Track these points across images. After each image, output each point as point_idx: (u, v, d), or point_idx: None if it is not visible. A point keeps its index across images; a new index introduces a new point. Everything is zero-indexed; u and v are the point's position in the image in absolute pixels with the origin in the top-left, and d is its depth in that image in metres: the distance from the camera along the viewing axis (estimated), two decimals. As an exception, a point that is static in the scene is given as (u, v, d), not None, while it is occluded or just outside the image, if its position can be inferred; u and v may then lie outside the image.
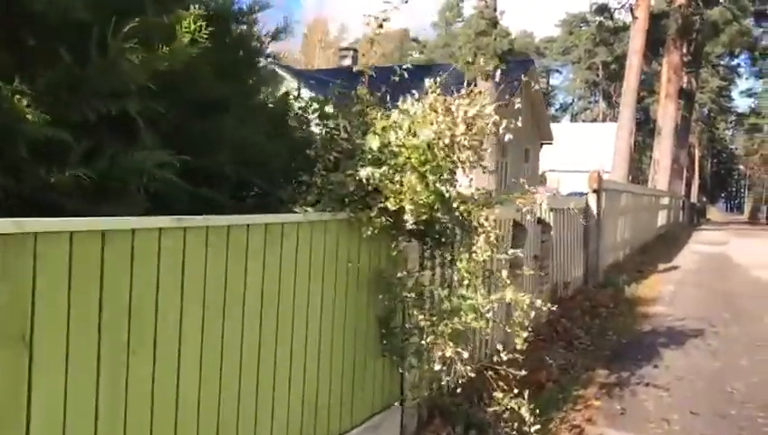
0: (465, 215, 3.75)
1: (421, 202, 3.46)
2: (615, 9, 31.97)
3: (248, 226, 2.67)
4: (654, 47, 31.30)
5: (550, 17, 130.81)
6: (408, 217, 3.39)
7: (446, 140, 3.49)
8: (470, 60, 17.36)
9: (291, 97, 3.77)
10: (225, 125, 3.05)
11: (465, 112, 3.55)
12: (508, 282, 3.81)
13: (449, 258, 3.93)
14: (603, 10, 34.23)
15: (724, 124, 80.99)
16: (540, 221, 7.33)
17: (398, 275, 3.54)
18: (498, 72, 17.29)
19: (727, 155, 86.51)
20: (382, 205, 3.37)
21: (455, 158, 3.61)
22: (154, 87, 2.51)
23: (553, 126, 50.86)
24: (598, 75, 74.52)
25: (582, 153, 42.81)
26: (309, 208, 3.14)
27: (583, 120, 75.05)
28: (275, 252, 2.85)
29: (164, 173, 2.52)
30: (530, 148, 28.86)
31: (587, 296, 8.66)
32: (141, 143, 2.55)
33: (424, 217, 3.52)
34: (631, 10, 21.81)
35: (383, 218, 3.40)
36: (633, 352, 6.53)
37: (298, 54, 63.56)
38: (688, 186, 61.42)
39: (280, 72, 24.67)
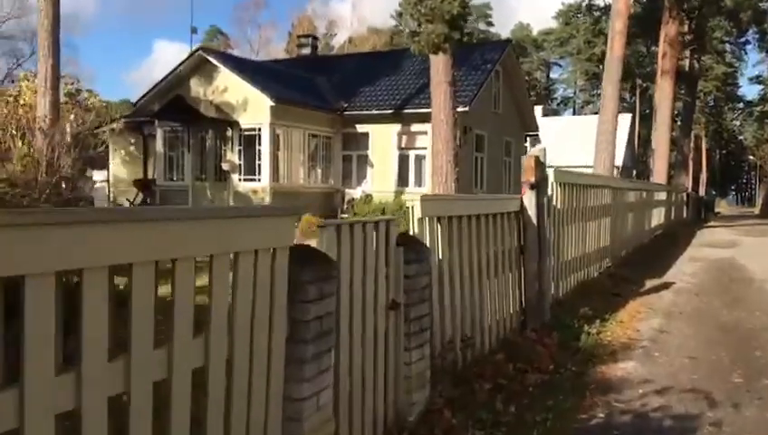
0: None
1: None
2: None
3: None
4: (652, 28, 27.98)
5: (549, 9, 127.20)
6: None
7: None
8: (416, 29, 14.18)
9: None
10: None
11: None
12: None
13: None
14: (593, -13, 30.90)
15: (731, 114, 77.36)
16: (404, 242, 4.14)
17: None
18: (449, 45, 14.19)
19: (736, 146, 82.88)
20: None
21: None
22: None
23: (551, 120, 47.45)
24: (598, 66, 70.74)
25: (582, 147, 39.97)
26: None
27: (585, 114, 71.52)
28: None
29: None
30: (512, 140, 25.52)
31: (513, 352, 5.43)
32: None
33: None
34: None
35: None
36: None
37: (282, 51, 62.88)
38: (696, 179, 57.97)
39: (213, 61, 21.60)
